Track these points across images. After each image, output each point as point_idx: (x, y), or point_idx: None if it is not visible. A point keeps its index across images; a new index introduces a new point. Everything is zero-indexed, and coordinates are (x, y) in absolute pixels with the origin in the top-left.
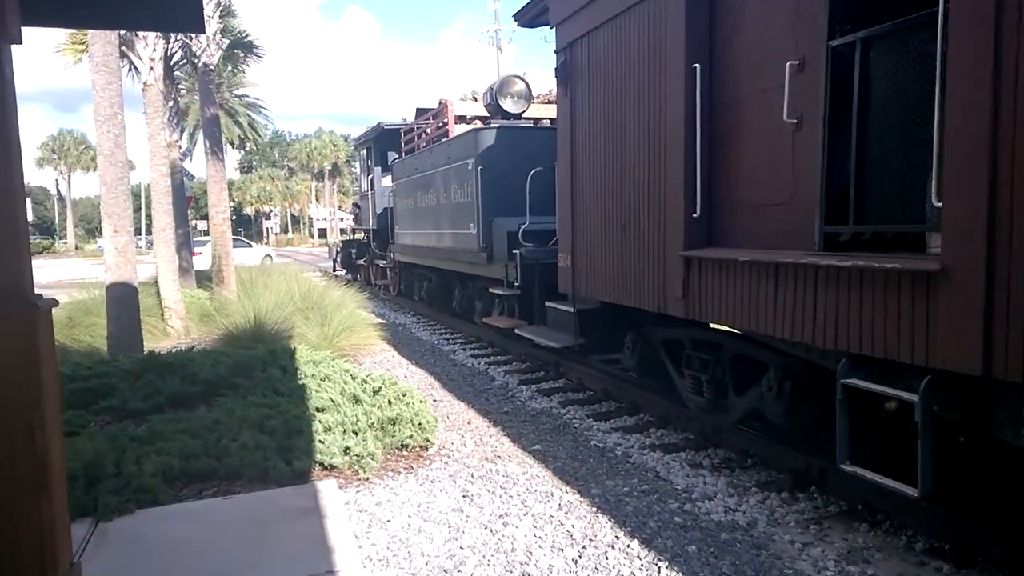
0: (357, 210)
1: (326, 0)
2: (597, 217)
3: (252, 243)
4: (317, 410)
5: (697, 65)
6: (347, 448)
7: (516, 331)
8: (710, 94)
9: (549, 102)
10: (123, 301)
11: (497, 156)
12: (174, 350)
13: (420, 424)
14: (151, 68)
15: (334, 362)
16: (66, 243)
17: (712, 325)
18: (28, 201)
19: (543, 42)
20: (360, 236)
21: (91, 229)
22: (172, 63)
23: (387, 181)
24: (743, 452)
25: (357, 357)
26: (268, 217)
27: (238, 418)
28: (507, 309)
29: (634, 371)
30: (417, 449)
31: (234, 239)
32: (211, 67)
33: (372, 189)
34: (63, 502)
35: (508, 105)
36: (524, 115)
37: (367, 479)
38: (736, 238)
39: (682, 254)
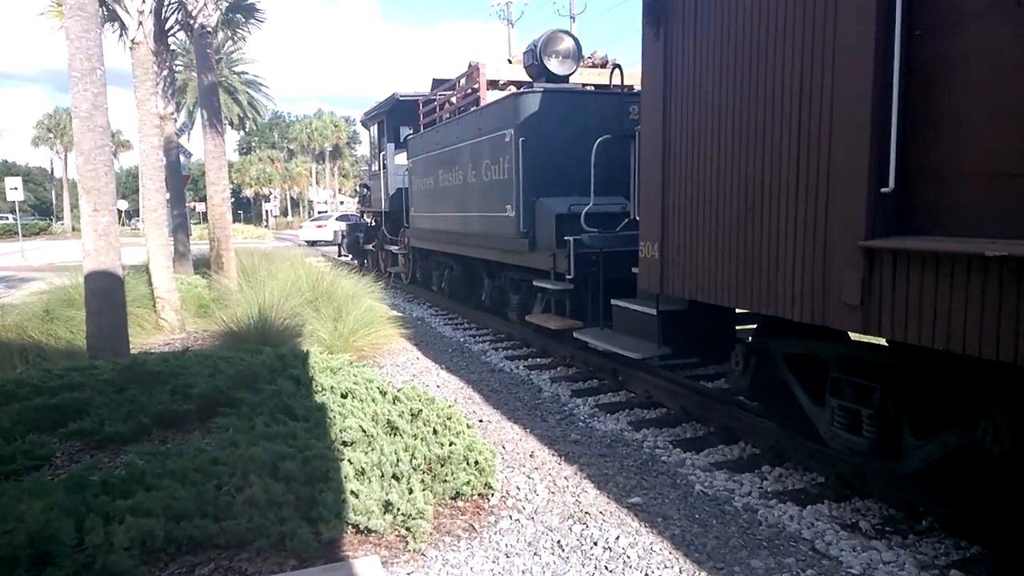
0: (365, 191)
1: None
2: (703, 195)
3: None
4: (344, 444)
5: None
6: (388, 503)
7: (575, 335)
8: (909, 12)
9: (593, 65)
10: (105, 294)
11: (542, 125)
12: (166, 348)
13: (477, 463)
14: (140, 23)
15: (355, 369)
16: (63, 224)
17: (852, 336)
18: (19, 180)
19: (556, 15)
20: (368, 219)
21: None
22: (167, 28)
23: (401, 159)
24: (906, 507)
25: (376, 358)
26: (268, 199)
27: (243, 457)
28: (555, 306)
29: (746, 395)
30: (476, 498)
31: None
32: (208, 29)
33: (384, 168)
34: None
35: (554, 66)
36: (571, 80)
37: (419, 550)
38: (955, 222)
39: (863, 244)
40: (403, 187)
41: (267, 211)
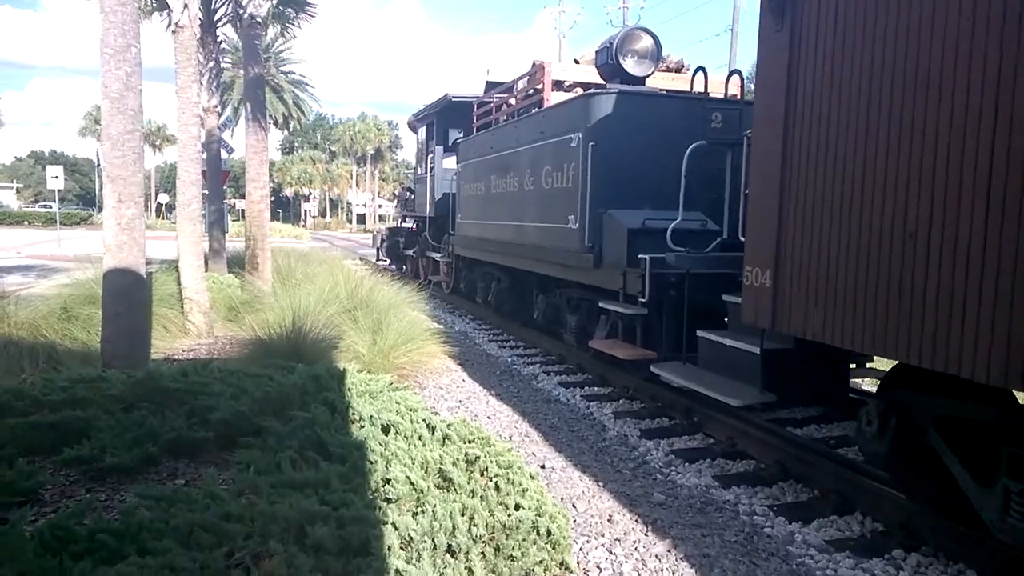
0: (409, 195)
1: None
2: (837, 214)
3: None
4: (387, 500)
5: None
6: None
7: (653, 370)
8: None
9: (668, 69)
10: (124, 295)
11: (615, 130)
12: (190, 355)
13: (550, 534)
14: (185, 5)
15: (396, 394)
16: (103, 214)
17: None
18: (60, 169)
19: (609, 25)
20: (409, 224)
21: None
22: (216, 19)
23: (450, 163)
24: None
25: (417, 378)
26: (307, 200)
27: (265, 514)
28: (622, 332)
29: (880, 463)
30: None
31: None
32: (257, 20)
33: (431, 172)
34: None
35: (630, 66)
36: (646, 83)
37: None
38: None
39: None
40: (450, 192)
41: (306, 211)
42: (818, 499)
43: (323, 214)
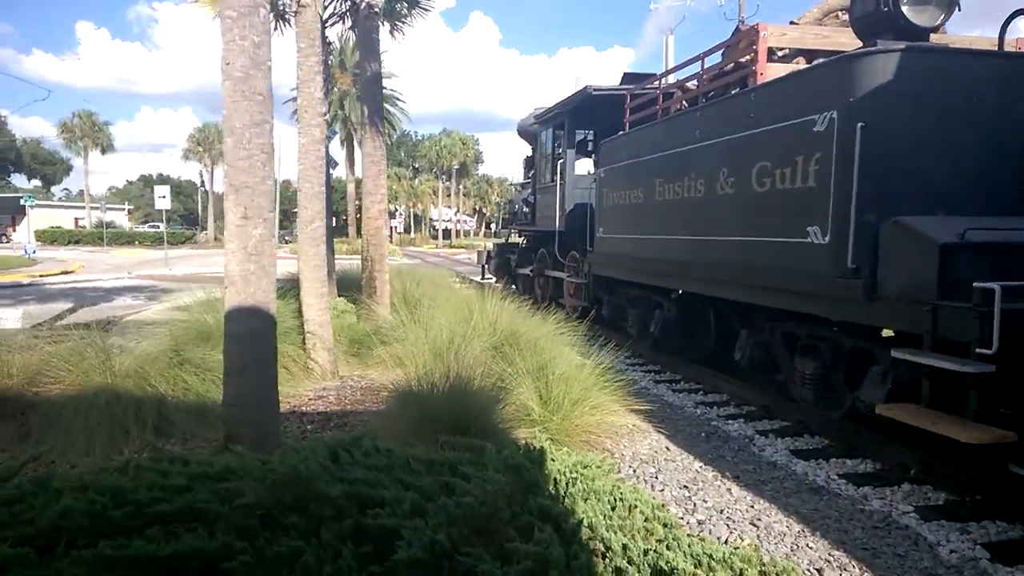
0: (523, 208)
1: (450, 8)
2: None
3: None
4: None
5: None
6: None
7: None
8: None
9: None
10: (254, 342)
11: (898, 104)
12: (319, 404)
13: None
14: None
15: (634, 495)
16: (206, 233)
17: None
18: (167, 189)
19: (723, 18)
20: (521, 240)
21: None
22: (325, 18)
23: (582, 168)
24: None
25: (603, 441)
26: (393, 216)
27: None
28: (933, 396)
29: None
30: None
31: None
32: (375, 10)
33: (558, 179)
34: None
35: (913, 14)
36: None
37: None
38: None
39: None
40: (586, 203)
41: (392, 228)
42: None
43: (408, 230)
